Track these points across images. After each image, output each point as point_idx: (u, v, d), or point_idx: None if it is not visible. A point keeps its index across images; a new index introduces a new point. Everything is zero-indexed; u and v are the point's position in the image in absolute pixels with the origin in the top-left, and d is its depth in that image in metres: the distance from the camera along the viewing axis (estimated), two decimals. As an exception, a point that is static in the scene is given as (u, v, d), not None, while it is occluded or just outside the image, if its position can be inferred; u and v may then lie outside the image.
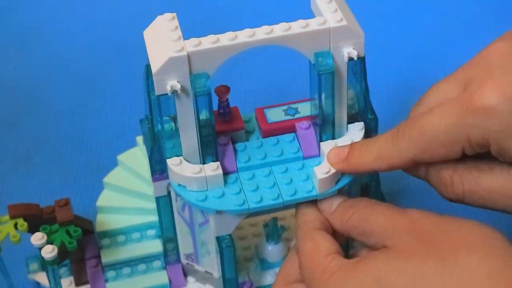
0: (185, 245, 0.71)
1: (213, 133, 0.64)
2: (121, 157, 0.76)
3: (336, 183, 0.64)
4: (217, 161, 0.65)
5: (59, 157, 0.86)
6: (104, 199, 0.75)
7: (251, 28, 0.61)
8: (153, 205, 0.71)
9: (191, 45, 0.60)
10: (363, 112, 0.67)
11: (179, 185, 0.65)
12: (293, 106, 0.69)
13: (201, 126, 0.63)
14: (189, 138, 0.64)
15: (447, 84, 0.61)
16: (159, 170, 0.66)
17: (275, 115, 0.68)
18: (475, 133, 0.56)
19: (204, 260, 0.70)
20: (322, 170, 0.63)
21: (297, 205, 0.64)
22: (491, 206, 0.59)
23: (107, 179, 0.75)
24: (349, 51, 0.62)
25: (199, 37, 0.61)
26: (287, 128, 0.67)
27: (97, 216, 0.74)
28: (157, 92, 0.61)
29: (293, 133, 0.67)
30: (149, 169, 0.66)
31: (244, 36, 0.60)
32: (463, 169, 0.59)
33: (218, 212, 0.64)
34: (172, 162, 0.65)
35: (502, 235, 0.53)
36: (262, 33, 0.61)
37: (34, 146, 0.88)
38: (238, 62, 0.92)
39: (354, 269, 0.55)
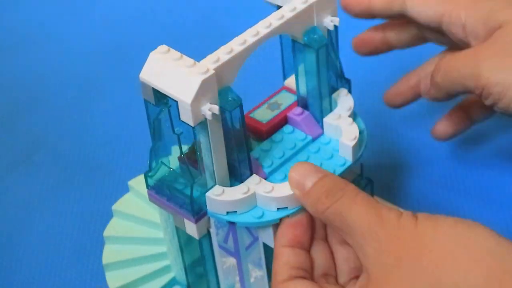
0: (227, 281, 0.67)
1: (247, 146, 0.62)
2: (132, 183, 0.71)
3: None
4: (251, 174, 0.63)
5: (58, 156, 0.86)
6: (113, 228, 0.70)
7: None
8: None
9: (211, 62, 0.58)
10: (339, 79, 0.69)
11: (228, 212, 0.62)
12: (271, 101, 0.68)
13: (237, 141, 0.60)
14: (221, 162, 0.61)
15: None
16: (201, 209, 0.62)
17: (264, 114, 0.68)
18: None
19: (253, 284, 0.67)
20: (349, 137, 0.64)
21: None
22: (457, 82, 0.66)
23: (116, 206, 0.71)
24: (331, 19, 0.64)
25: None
26: (282, 120, 0.67)
27: (105, 246, 0.70)
28: (194, 122, 0.57)
29: (289, 124, 0.67)
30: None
31: (250, 36, 0.60)
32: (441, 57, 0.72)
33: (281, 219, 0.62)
34: (214, 193, 0.61)
35: (490, 236, 0.53)
36: (262, 28, 0.60)
37: (33, 146, 0.88)
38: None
39: None
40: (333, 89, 0.68)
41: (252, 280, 0.67)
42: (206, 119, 0.58)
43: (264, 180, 0.62)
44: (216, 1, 1.05)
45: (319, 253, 0.61)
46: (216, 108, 0.57)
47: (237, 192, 0.61)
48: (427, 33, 0.75)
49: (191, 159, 0.61)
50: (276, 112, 0.68)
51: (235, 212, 0.62)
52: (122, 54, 0.98)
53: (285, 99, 0.68)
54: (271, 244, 0.63)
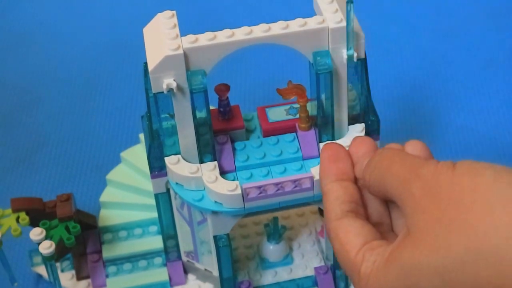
0: (185, 243, 0.70)
1: (211, 132, 0.63)
2: (124, 154, 0.76)
3: (334, 184, 0.63)
4: (214, 160, 0.64)
5: (60, 155, 0.86)
6: (107, 195, 0.75)
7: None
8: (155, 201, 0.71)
9: (188, 42, 0.60)
10: (365, 114, 0.66)
11: (177, 183, 0.65)
12: (295, 106, 0.68)
13: (198, 124, 0.62)
14: (187, 136, 0.63)
15: None
16: (157, 167, 0.65)
17: (277, 114, 0.68)
18: None
19: (203, 258, 0.70)
20: (317, 170, 0.62)
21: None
22: None
23: (110, 176, 0.75)
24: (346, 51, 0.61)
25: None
26: (288, 128, 0.67)
27: (100, 211, 0.75)
28: (154, 90, 0.61)
29: (294, 133, 0.66)
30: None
31: (241, 33, 0.60)
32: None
33: (214, 212, 0.64)
34: (170, 161, 0.64)
35: None
36: (259, 31, 0.60)
37: (34, 145, 0.88)
38: (243, 59, 0.93)
39: (386, 272, 0.51)
40: (355, 120, 0.66)
41: (203, 253, 0.70)
42: (170, 91, 0.60)
43: (216, 170, 0.64)
44: (223, 1, 1.02)
45: (371, 201, 0.58)
46: (173, 85, 0.60)
47: (186, 168, 0.64)
48: None
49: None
50: (289, 117, 0.67)
51: (182, 186, 0.64)
52: (123, 53, 0.96)
53: (309, 109, 0.67)
54: (208, 235, 0.66)
